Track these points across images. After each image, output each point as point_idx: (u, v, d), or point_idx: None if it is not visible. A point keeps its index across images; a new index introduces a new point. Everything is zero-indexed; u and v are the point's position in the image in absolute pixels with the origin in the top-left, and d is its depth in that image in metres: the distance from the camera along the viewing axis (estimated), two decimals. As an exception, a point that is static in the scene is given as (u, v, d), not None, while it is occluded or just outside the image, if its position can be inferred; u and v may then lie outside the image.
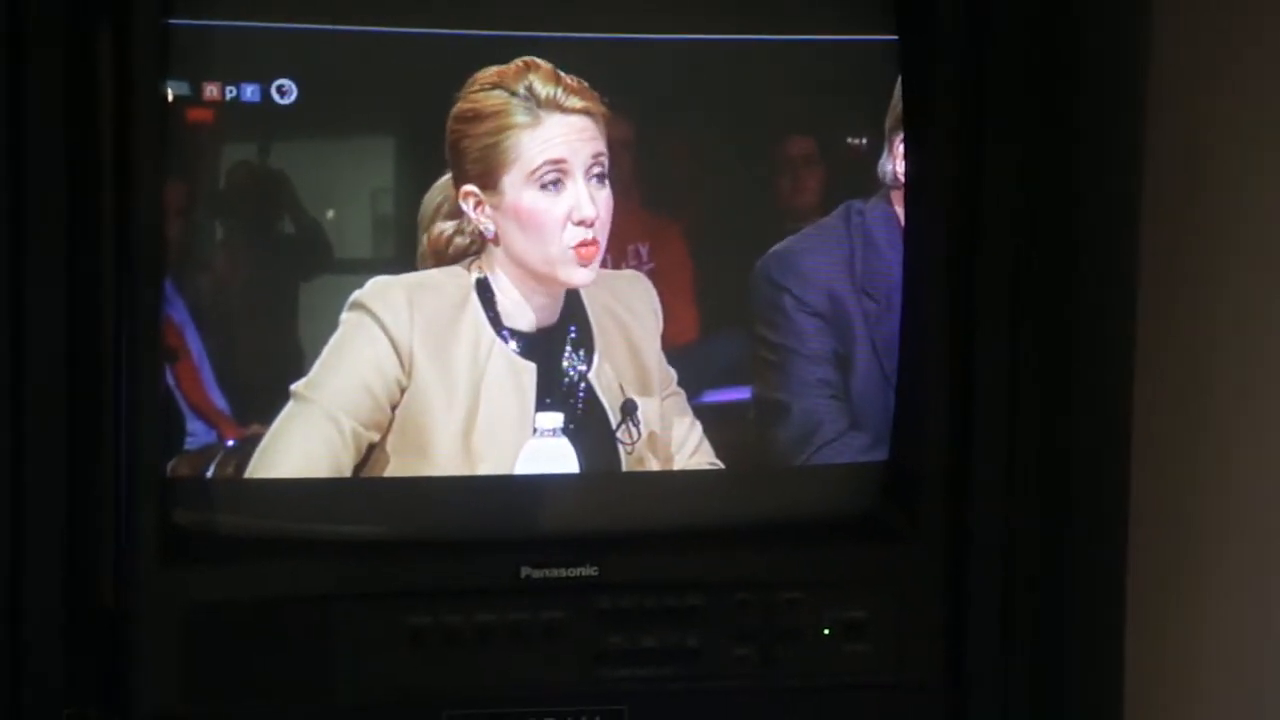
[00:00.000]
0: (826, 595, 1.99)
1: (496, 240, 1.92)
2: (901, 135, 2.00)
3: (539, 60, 1.90)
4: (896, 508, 2.02)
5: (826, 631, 1.99)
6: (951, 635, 2.03)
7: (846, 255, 2.01)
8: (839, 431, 2.02)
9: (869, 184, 2.01)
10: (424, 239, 1.91)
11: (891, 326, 2.03)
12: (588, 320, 1.97)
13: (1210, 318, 1.97)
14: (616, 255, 1.95)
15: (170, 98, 1.85)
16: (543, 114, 1.90)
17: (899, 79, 2.00)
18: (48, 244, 1.82)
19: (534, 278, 1.93)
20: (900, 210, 2.02)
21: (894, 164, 2.01)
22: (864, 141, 2.01)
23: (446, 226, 1.91)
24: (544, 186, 1.91)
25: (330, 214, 1.92)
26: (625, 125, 1.93)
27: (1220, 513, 1.96)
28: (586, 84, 1.91)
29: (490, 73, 1.89)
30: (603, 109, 1.92)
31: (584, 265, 1.93)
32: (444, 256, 1.92)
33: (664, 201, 1.98)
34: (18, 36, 1.80)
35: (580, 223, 1.92)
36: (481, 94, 1.89)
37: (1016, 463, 2.03)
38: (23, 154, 1.81)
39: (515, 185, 1.91)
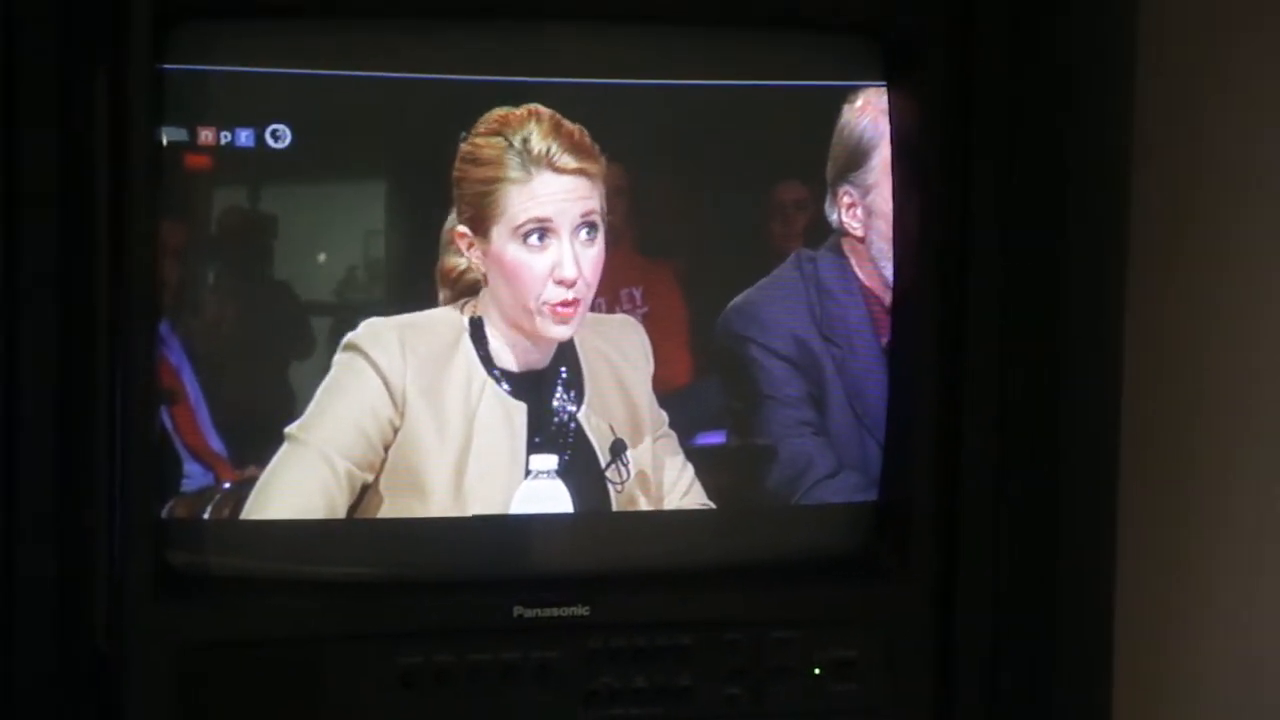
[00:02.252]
0: (817, 634, 2.00)
1: (486, 281, 1.93)
2: (844, 184, 2.01)
3: (542, 108, 1.91)
4: (886, 547, 2.03)
5: (817, 671, 2.00)
6: (941, 675, 2.04)
7: (805, 303, 2.03)
8: (829, 470, 2.03)
9: (817, 233, 2.03)
10: (437, 268, 1.92)
11: (856, 370, 2.04)
12: (579, 362, 1.98)
13: (1200, 347, 1.99)
14: (610, 299, 1.97)
15: (165, 142, 1.86)
16: (534, 171, 1.91)
17: (837, 124, 2.01)
18: (42, 286, 1.83)
19: (516, 326, 1.95)
20: (851, 258, 2.04)
21: (839, 212, 2.03)
22: (808, 190, 2.03)
23: (460, 262, 1.92)
24: (527, 241, 1.92)
25: (323, 256, 1.93)
26: (621, 171, 1.95)
27: (1213, 551, 1.98)
28: (587, 133, 1.92)
29: (496, 115, 1.91)
30: (599, 166, 1.93)
31: (561, 324, 1.94)
32: (456, 287, 1.93)
33: (658, 246, 2.00)
34: (11, 82, 1.81)
35: (561, 281, 1.93)
36: (484, 139, 1.91)
37: (1004, 503, 2.04)
38: (18, 197, 1.82)
39: (501, 236, 1.92)
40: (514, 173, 1.91)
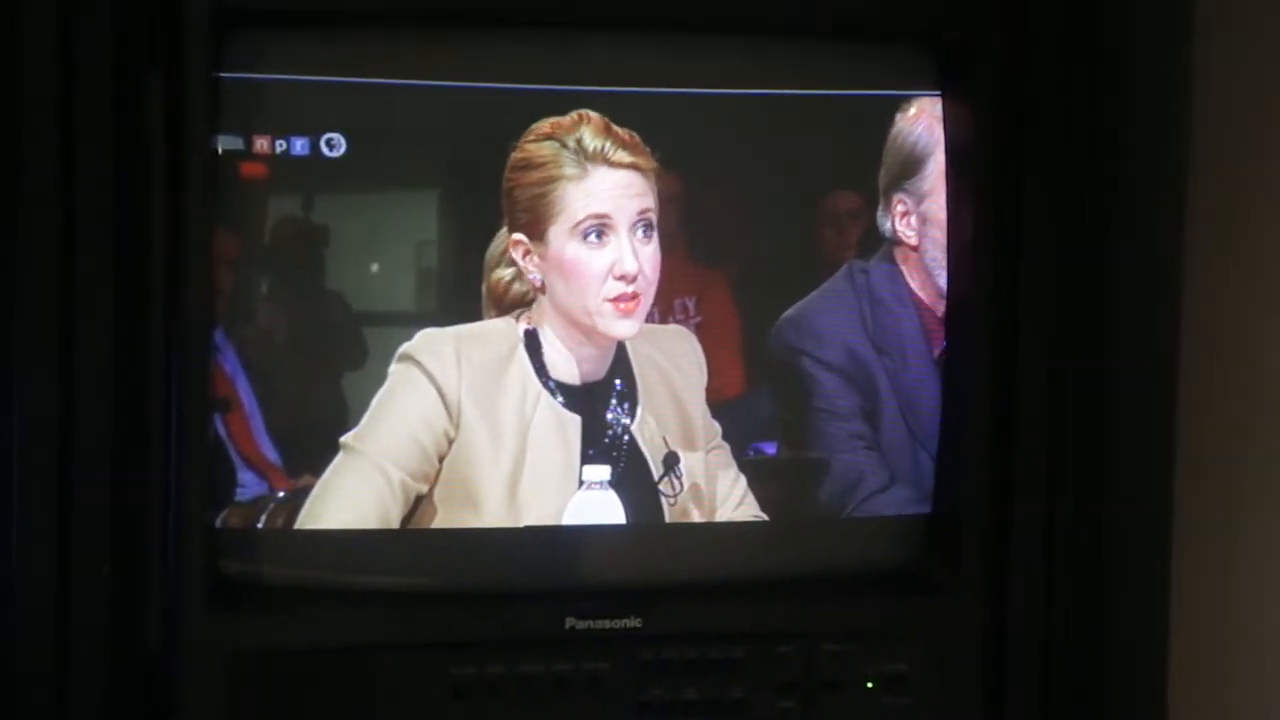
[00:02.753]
0: (869, 648, 2.00)
1: (543, 289, 1.93)
2: (898, 192, 2.01)
3: (592, 113, 1.91)
4: (939, 561, 2.03)
5: (869, 684, 2.00)
6: (992, 689, 2.03)
7: (857, 314, 2.03)
8: (882, 484, 2.03)
9: (869, 243, 2.02)
10: (484, 286, 1.92)
11: (909, 380, 2.04)
12: (632, 373, 1.98)
13: (1257, 354, 1.98)
14: (663, 309, 1.96)
15: (220, 151, 1.86)
16: (590, 167, 1.91)
17: (891, 133, 2.01)
18: (99, 293, 1.83)
19: (578, 329, 1.95)
20: (903, 267, 2.04)
21: (892, 221, 2.02)
22: (862, 198, 2.02)
23: (506, 274, 1.92)
24: (587, 239, 1.92)
25: (378, 266, 1.93)
26: (674, 179, 1.95)
27: (1268, 563, 1.97)
28: (638, 137, 1.92)
29: (545, 124, 1.91)
30: (653, 164, 1.93)
31: (624, 317, 1.94)
32: (503, 303, 1.93)
33: (711, 255, 2.00)
34: (68, 90, 1.81)
35: (621, 277, 1.93)
36: (535, 144, 1.91)
37: (1057, 516, 2.03)
38: (74, 207, 1.82)
39: (560, 237, 1.92)
40: (569, 169, 1.91)
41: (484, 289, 1.93)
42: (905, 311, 2.04)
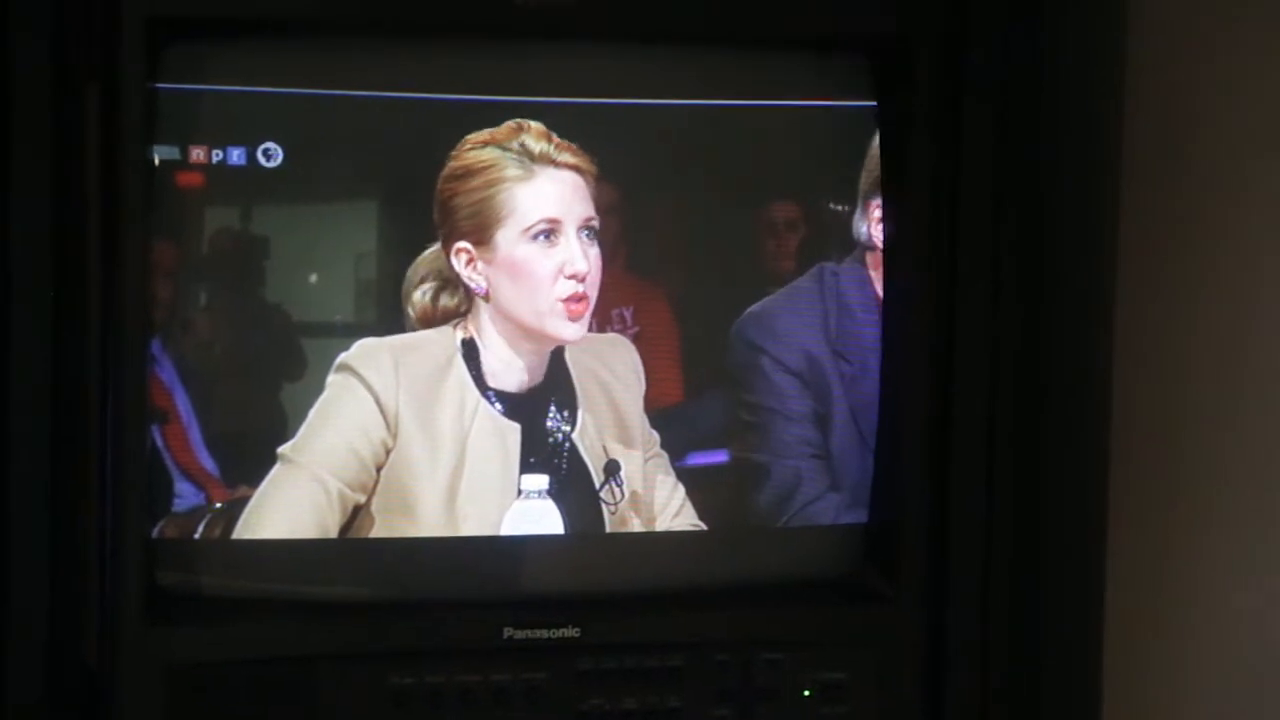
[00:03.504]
0: (806, 656, 2.00)
1: (487, 296, 1.93)
2: (877, 198, 2.02)
3: (530, 121, 1.92)
4: (876, 569, 2.03)
5: (806, 693, 2.01)
6: (931, 697, 2.04)
7: (820, 317, 2.03)
8: (820, 491, 2.03)
9: (842, 246, 2.03)
10: (409, 307, 1.92)
11: (867, 389, 2.04)
12: (571, 381, 1.98)
13: (1188, 357, 1.99)
14: (600, 319, 1.97)
15: (157, 161, 1.86)
16: (536, 168, 1.92)
17: (874, 142, 2.02)
18: (34, 304, 1.83)
19: (523, 333, 1.95)
20: (874, 273, 2.04)
21: (869, 226, 2.03)
22: (839, 205, 2.03)
23: (428, 289, 1.92)
24: (537, 239, 1.92)
25: (315, 276, 1.93)
26: (612, 189, 1.95)
27: (1200, 562, 1.98)
28: (577, 146, 1.93)
29: (482, 134, 1.91)
30: (594, 169, 1.93)
31: (573, 320, 1.94)
32: (431, 320, 1.93)
33: (649, 265, 2.00)
34: (4, 100, 1.81)
35: (572, 276, 1.93)
36: (473, 152, 1.91)
37: (995, 524, 2.05)
38: (8, 215, 1.82)
39: (509, 239, 1.92)
40: (514, 171, 1.91)
41: (409, 310, 1.92)
42: (869, 317, 2.04)
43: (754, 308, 2.01)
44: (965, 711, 2.05)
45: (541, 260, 1.92)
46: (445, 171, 1.91)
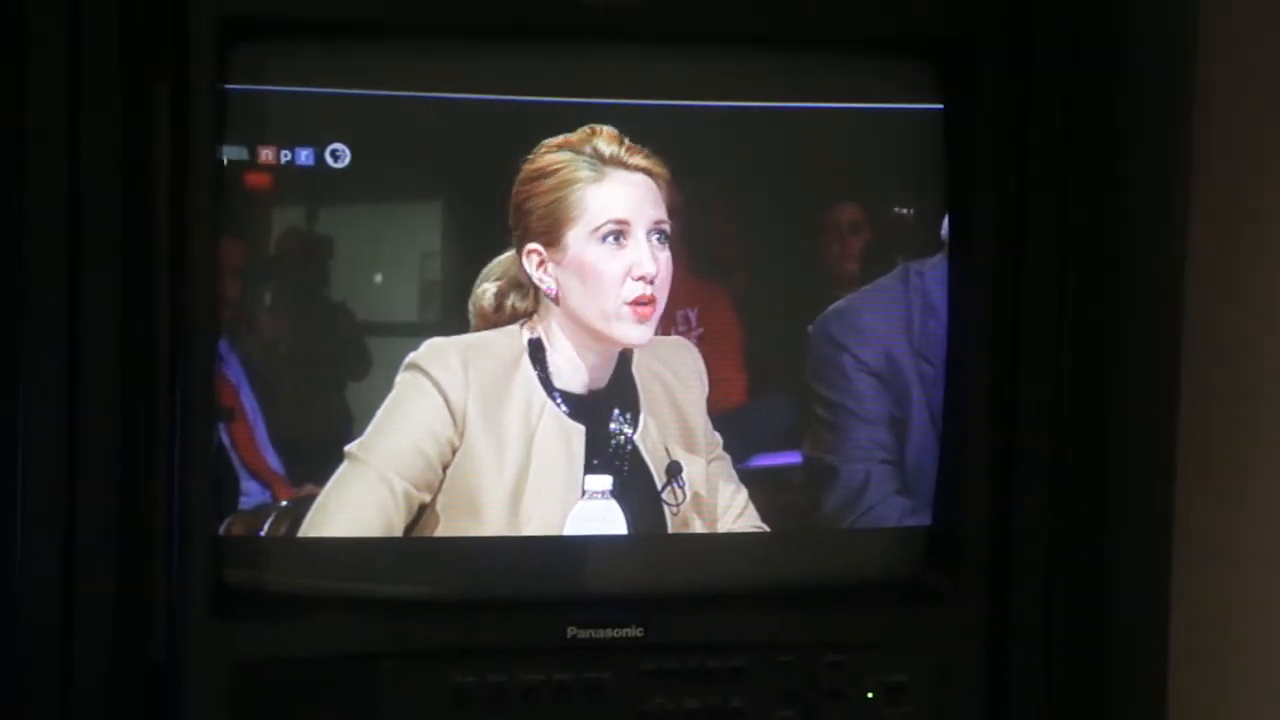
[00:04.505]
0: (869, 658, 2.00)
1: (557, 299, 1.94)
2: (963, 199, 2.03)
3: (602, 126, 1.93)
4: (939, 572, 2.03)
5: (869, 694, 2.01)
6: (995, 700, 2.04)
7: (904, 317, 2.03)
8: (884, 495, 2.03)
9: (928, 246, 2.03)
10: (471, 306, 1.93)
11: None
12: (634, 384, 1.99)
13: (1259, 358, 1.98)
14: (665, 321, 1.97)
15: (225, 161, 1.87)
16: (607, 170, 1.93)
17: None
18: (104, 302, 1.84)
19: (590, 335, 1.95)
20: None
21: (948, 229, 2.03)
22: (920, 206, 2.03)
23: (495, 291, 1.93)
24: (605, 241, 1.93)
25: (382, 275, 1.94)
26: (679, 190, 1.96)
27: (1272, 569, 1.97)
28: (649, 149, 1.94)
29: (557, 139, 1.92)
30: (665, 173, 1.94)
31: (640, 323, 1.95)
32: (493, 322, 1.94)
33: (714, 267, 2.00)
34: (74, 101, 1.82)
35: (640, 278, 1.94)
36: (548, 155, 1.92)
37: (1058, 526, 2.04)
38: (81, 215, 1.83)
39: (579, 240, 1.93)
40: (585, 173, 1.92)
41: (472, 311, 1.93)
42: None
43: (838, 304, 2.02)
44: (1028, 713, 2.04)
45: (610, 262, 1.93)
46: (521, 175, 1.91)
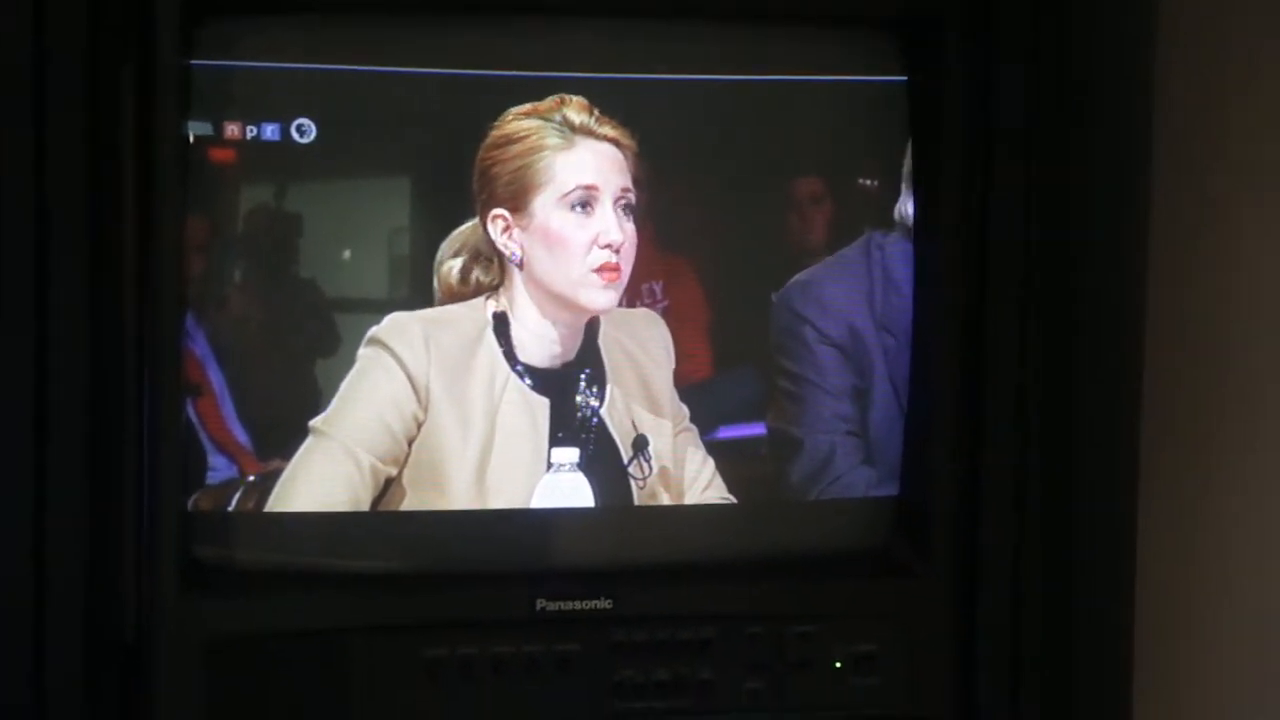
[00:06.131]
0: (837, 628, 2.01)
1: (522, 265, 1.94)
2: (922, 175, 2.03)
3: (572, 96, 1.93)
4: (907, 542, 2.04)
5: (838, 665, 2.01)
6: (962, 669, 2.04)
7: (866, 289, 2.03)
8: (851, 466, 2.03)
9: (887, 220, 2.04)
10: (436, 280, 1.93)
11: (909, 363, 2.04)
12: (600, 356, 1.99)
13: (1220, 340, 1.99)
14: (631, 293, 1.97)
15: (191, 137, 1.87)
16: (576, 138, 1.93)
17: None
18: (70, 279, 1.84)
19: (556, 303, 1.96)
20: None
21: (913, 204, 2.03)
22: (881, 180, 2.03)
23: (459, 263, 1.93)
24: (574, 209, 1.93)
25: (348, 251, 1.94)
26: (645, 163, 1.96)
27: (1232, 544, 1.98)
28: (618, 120, 1.94)
29: (524, 106, 1.92)
30: (632, 144, 1.94)
31: (607, 287, 1.95)
32: (458, 295, 1.94)
33: (679, 239, 2.00)
34: (41, 76, 1.82)
35: (606, 246, 1.94)
36: (515, 122, 1.92)
37: (1026, 496, 2.05)
38: (45, 191, 1.83)
39: (546, 206, 1.93)
40: (554, 140, 1.92)
41: (436, 284, 1.93)
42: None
43: (800, 276, 2.02)
44: (996, 683, 2.05)
45: (576, 229, 1.93)
46: (487, 141, 1.92)
